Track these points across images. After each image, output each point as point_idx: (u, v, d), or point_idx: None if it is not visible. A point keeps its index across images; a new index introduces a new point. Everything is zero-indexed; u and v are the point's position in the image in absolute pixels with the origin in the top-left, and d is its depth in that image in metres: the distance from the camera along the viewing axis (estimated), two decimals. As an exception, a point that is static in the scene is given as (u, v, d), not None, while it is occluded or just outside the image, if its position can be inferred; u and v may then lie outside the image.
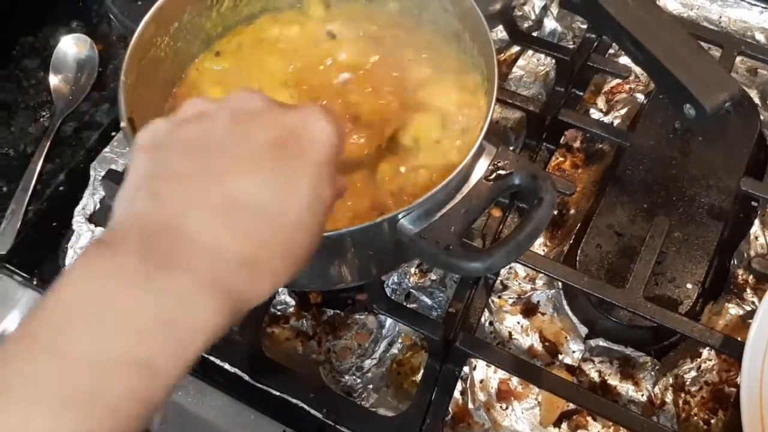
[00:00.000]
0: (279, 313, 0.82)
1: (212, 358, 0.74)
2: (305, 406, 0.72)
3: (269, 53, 0.76)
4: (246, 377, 0.73)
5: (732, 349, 0.71)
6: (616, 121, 0.93)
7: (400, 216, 0.60)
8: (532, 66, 0.98)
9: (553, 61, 0.94)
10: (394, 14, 0.77)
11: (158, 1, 0.69)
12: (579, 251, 0.79)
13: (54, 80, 0.96)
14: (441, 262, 0.61)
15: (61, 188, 0.85)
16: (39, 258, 0.81)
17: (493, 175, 0.63)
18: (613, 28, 0.74)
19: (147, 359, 0.36)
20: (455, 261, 0.59)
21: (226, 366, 0.74)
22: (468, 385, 0.77)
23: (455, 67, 0.73)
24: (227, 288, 0.40)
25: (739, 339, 0.71)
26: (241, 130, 0.45)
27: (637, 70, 0.95)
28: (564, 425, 0.76)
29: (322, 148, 0.46)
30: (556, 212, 0.88)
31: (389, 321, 0.81)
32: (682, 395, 0.77)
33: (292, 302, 0.82)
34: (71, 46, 0.96)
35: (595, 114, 0.94)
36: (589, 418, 0.76)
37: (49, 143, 0.91)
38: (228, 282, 0.40)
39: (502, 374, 0.77)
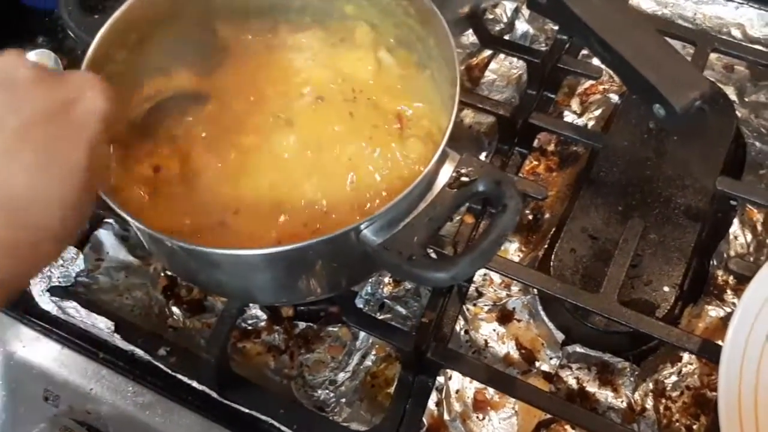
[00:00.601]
0: (250, 327, 0.81)
1: (179, 376, 0.73)
2: (275, 423, 0.70)
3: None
4: (214, 395, 0.72)
5: (710, 353, 0.69)
6: (591, 123, 0.92)
7: (362, 227, 0.58)
8: (505, 69, 0.97)
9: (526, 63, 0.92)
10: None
11: (114, 13, 0.67)
12: (553, 256, 0.78)
13: (20, 96, 0.94)
14: (405, 273, 0.59)
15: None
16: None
17: (457, 183, 0.61)
18: (580, 28, 0.73)
19: None
20: (419, 271, 0.58)
21: (194, 384, 0.72)
22: (443, 396, 0.75)
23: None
24: None
25: (718, 342, 0.70)
26: (7, 103, 0.44)
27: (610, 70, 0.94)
28: (542, 434, 0.74)
29: (94, 122, 0.47)
30: (531, 217, 0.86)
31: (363, 333, 0.79)
32: (663, 401, 0.76)
33: (264, 316, 0.81)
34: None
35: (569, 116, 0.93)
36: (567, 427, 0.74)
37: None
38: None
39: (478, 384, 0.76)
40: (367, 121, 0.70)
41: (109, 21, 0.67)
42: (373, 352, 0.78)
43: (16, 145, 0.43)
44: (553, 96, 0.92)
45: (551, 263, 0.77)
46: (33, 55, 0.95)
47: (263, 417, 0.71)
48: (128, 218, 0.57)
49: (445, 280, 0.58)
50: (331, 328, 0.81)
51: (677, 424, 0.75)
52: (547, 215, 0.86)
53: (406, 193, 0.58)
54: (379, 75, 0.73)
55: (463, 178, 0.61)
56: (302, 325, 0.81)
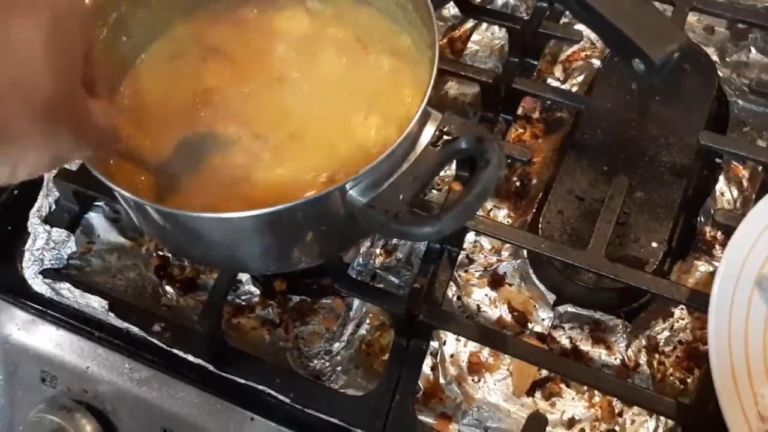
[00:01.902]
0: (244, 303, 0.81)
1: (175, 350, 0.73)
2: (272, 392, 0.71)
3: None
4: (210, 367, 0.72)
5: (699, 303, 0.69)
6: (574, 89, 0.92)
7: (348, 186, 0.59)
8: (487, 40, 0.97)
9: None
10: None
11: None
12: (541, 219, 0.78)
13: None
14: (391, 230, 0.60)
15: (15, 192, 0.83)
16: (-5, 262, 0.80)
17: (441, 141, 0.62)
18: (559, -10, 0.74)
19: None
20: (405, 228, 0.59)
21: (189, 357, 0.72)
22: (438, 360, 0.76)
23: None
24: None
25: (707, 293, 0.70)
26: None
27: (592, 36, 0.94)
28: (537, 394, 0.75)
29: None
30: (518, 183, 0.87)
31: (356, 303, 0.80)
32: (657, 356, 0.77)
33: (257, 291, 0.81)
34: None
35: (553, 83, 0.93)
36: (562, 386, 0.75)
37: None
38: None
39: (472, 347, 0.76)
40: (329, 51, 0.73)
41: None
42: (367, 321, 0.79)
43: None
44: (535, 63, 0.93)
45: (539, 225, 0.78)
46: None
47: (260, 387, 0.71)
48: (113, 186, 0.58)
49: (431, 235, 0.59)
50: (324, 300, 0.81)
51: (671, 378, 0.75)
52: (534, 181, 0.87)
53: (389, 152, 0.59)
54: (314, 23, 0.75)
55: (446, 137, 0.62)
56: (296, 298, 0.81)
